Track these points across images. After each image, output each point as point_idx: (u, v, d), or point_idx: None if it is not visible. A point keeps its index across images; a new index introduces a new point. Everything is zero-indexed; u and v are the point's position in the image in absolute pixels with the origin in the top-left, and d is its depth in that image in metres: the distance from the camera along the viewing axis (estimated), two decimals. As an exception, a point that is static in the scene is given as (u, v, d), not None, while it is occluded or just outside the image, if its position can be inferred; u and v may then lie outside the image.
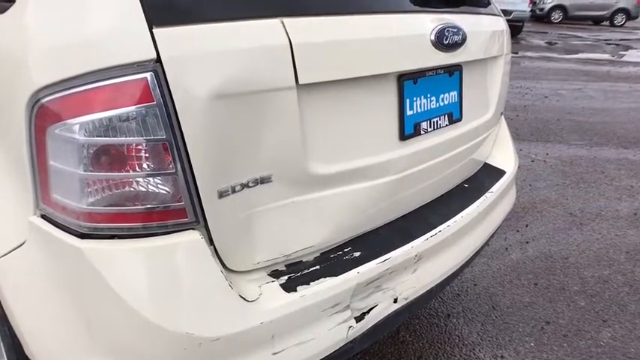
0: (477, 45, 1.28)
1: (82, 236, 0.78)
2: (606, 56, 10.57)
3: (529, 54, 10.27)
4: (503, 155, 1.67)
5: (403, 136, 1.10)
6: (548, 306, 1.98)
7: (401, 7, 1.06)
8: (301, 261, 1.01)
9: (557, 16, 18.69)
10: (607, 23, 18.97)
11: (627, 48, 12.47)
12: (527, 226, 2.67)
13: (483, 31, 1.31)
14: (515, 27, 13.11)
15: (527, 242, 2.49)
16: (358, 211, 1.07)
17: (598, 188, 3.26)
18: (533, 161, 3.72)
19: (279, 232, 0.95)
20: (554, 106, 5.52)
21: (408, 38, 1.03)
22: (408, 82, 1.08)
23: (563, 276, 2.20)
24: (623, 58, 10.56)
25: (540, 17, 18.82)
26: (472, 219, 1.32)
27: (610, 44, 13.02)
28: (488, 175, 1.57)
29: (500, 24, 1.48)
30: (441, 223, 1.23)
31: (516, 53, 10.36)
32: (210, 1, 0.81)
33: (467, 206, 1.33)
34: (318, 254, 1.04)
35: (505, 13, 12.05)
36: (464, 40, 1.16)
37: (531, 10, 14.86)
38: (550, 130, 4.59)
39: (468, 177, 1.51)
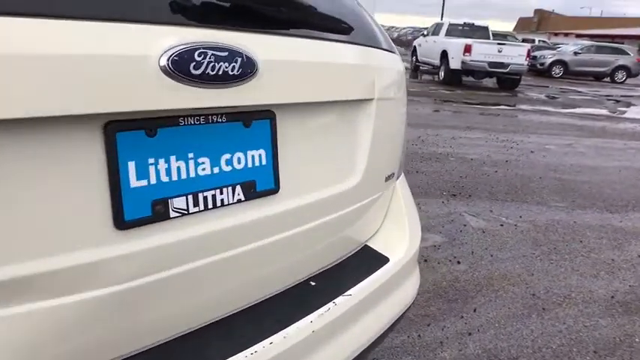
0: (299, 82, 0.86)
1: None
2: (604, 112, 10.25)
3: (523, 107, 9.97)
4: (393, 235, 1.22)
5: (122, 223, 0.66)
6: None
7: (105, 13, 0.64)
8: None
9: (557, 70, 18.73)
10: (608, 80, 18.90)
11: (629, 105, 12.20)
12: (475, 310, 2.17)
13: (317, 62, 0.90)
14: (513, 80, 12.97)
15: (469, 334, 1.99)
16: (31, 349, 0.62)
17: (572, 262, 2.76)
18: (502, 225, 3.25)
19: None
20: (539, 162, 5.09)
21: (112, 61, 0.61)
22: (127, 133, 0.65)
23: (505, 387, 1.69)
24: (625, 115, 10.22)
25: (541, 72, 18.86)
26: (301, 340, 0.87)
27: (610, 100, 12.75)
28: (360, 264, 1.12)
29: (372, 58, 1.08)
30: (233, 354, 0.78)
31: (513, 106, 10.07)
32: None
33: (293, 321, 0.87)
34: None
35: (502, 65, 11.84)
36: (251, 72, 0.74)
37: (531, 65, 14.79)
38: (529, 188, 4.13)
39: (323, 268, 1.06)
